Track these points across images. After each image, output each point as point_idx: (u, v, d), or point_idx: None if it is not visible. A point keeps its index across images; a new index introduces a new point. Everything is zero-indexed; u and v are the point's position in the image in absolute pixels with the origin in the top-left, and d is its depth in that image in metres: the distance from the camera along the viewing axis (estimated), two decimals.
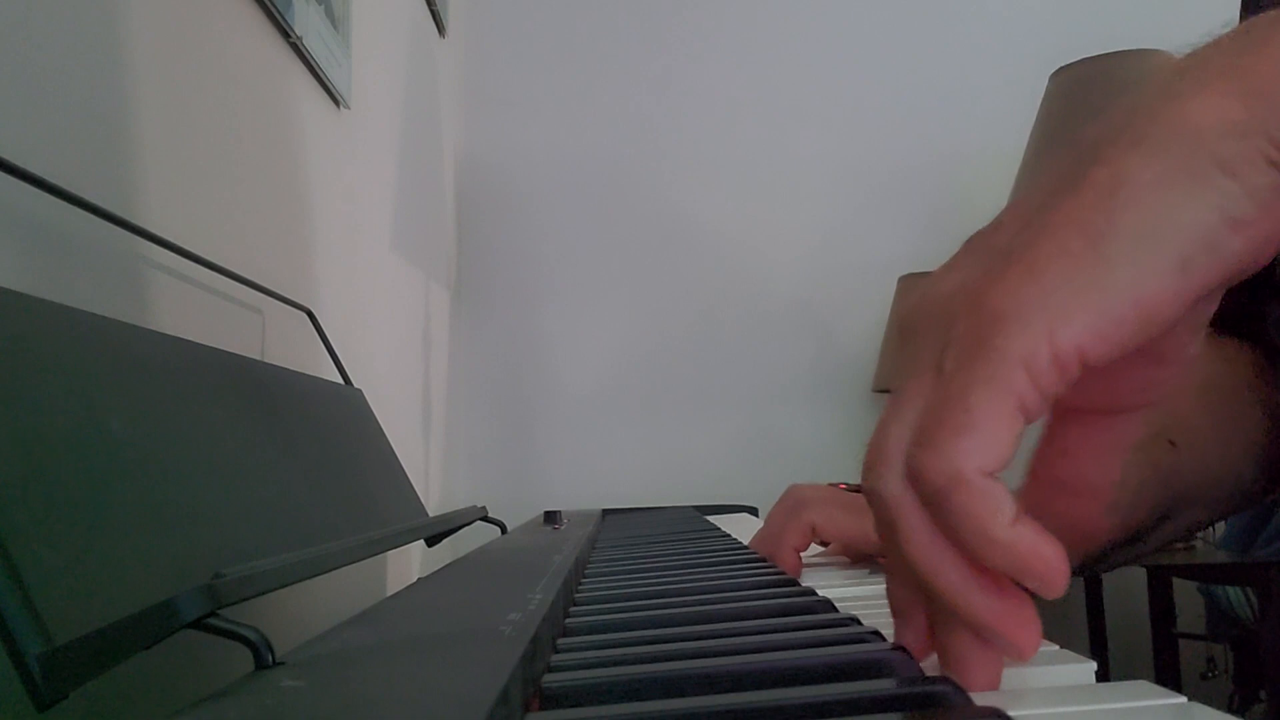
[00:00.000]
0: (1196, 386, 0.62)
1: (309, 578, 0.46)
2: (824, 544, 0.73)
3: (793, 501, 0.69)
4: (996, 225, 0.31)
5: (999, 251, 0.29)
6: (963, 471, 0.26)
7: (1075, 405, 0.32)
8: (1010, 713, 0.24)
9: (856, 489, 0.71)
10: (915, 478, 0.27)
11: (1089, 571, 0.37)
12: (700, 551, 0.72)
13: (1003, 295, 0.27)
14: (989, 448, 0.26)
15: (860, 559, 0.69)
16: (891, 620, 0.35)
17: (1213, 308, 0.30)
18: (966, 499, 0.26)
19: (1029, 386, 0.26)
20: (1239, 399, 0.62)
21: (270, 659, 0.33)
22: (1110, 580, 1.82)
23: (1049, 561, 0.26)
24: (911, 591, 0.31)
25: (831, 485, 0.87)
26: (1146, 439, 0.58)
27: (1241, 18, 0.63)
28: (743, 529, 1.00)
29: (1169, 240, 0.26)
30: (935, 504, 0.27)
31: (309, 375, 0.78)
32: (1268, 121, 0.26)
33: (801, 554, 0.66)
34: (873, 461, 0.30)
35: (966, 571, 0.28)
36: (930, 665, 0.32)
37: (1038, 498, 0.33)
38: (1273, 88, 0.26)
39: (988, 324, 0.27)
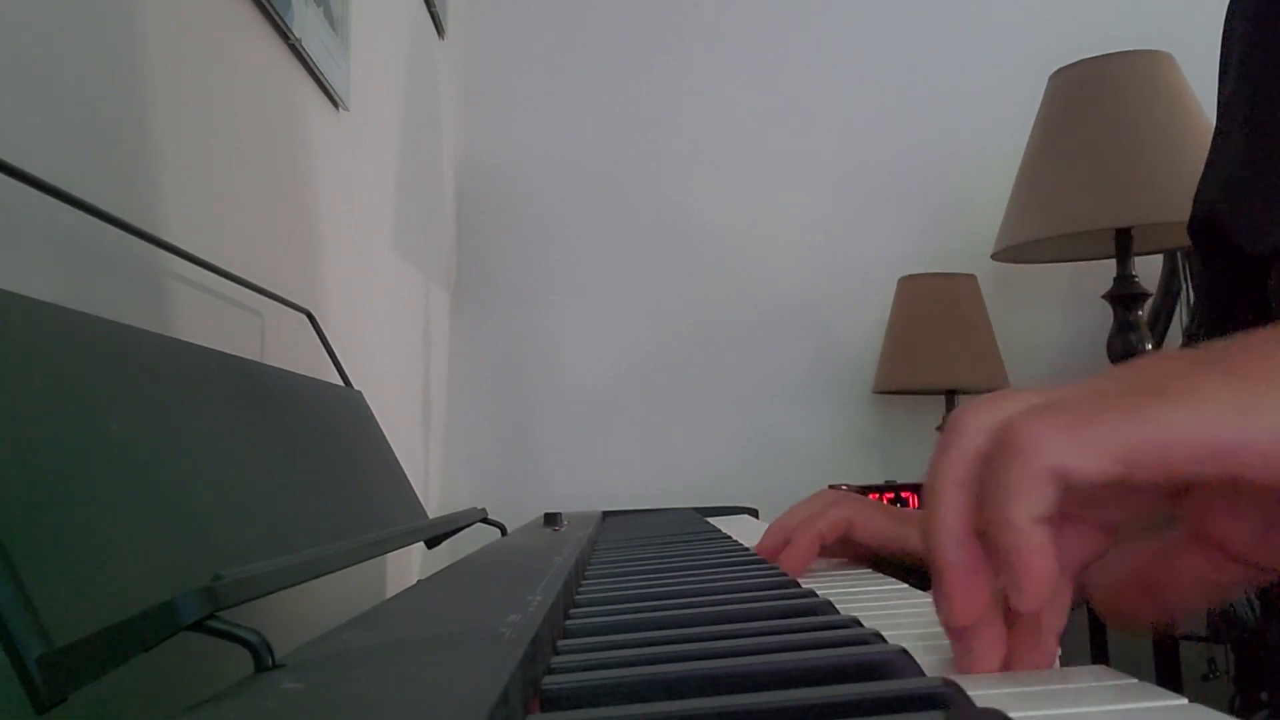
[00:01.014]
0: None
1: (309, 580, 0.46)
2: (833, 558, 0.71)
3: (834, 496, 0.68)
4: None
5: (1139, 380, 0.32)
6: (1041, 455, 0.29)
7: (1215, 537, 0.33)
8: (1011, 714, 0.24)
9: (859, 491, 0.70)
10: (1003, 429, 0.30)
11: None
12: (700, 553, 0.72)
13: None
14: (1084, 458, 0.29)
15: (890, 568, 0.65)
16: (896, 621, 0.35)
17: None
18: (1024, 473, 0.29)
19: (1157, 447, 0.29)
20: None
21: (270, 661, 0.33)
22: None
23: (1038, 567, 0.29)
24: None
25: (832, 486, 0.87)
26: None
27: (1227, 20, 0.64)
28: (743, 531, 1.00)
29: (1207, 408, 0.29)
30: (996, 457, 0.30)
31: (309, 377, 0.78)
32: None
33: (819, 546, 0.64)
34: (985, 404, 0.33)
35: (963, 523, 0.31)
36: (931, 666, 0.32)
37: (1116, 580, 0.35)
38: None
39: (1169, 389, 0.30)
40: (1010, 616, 0.32)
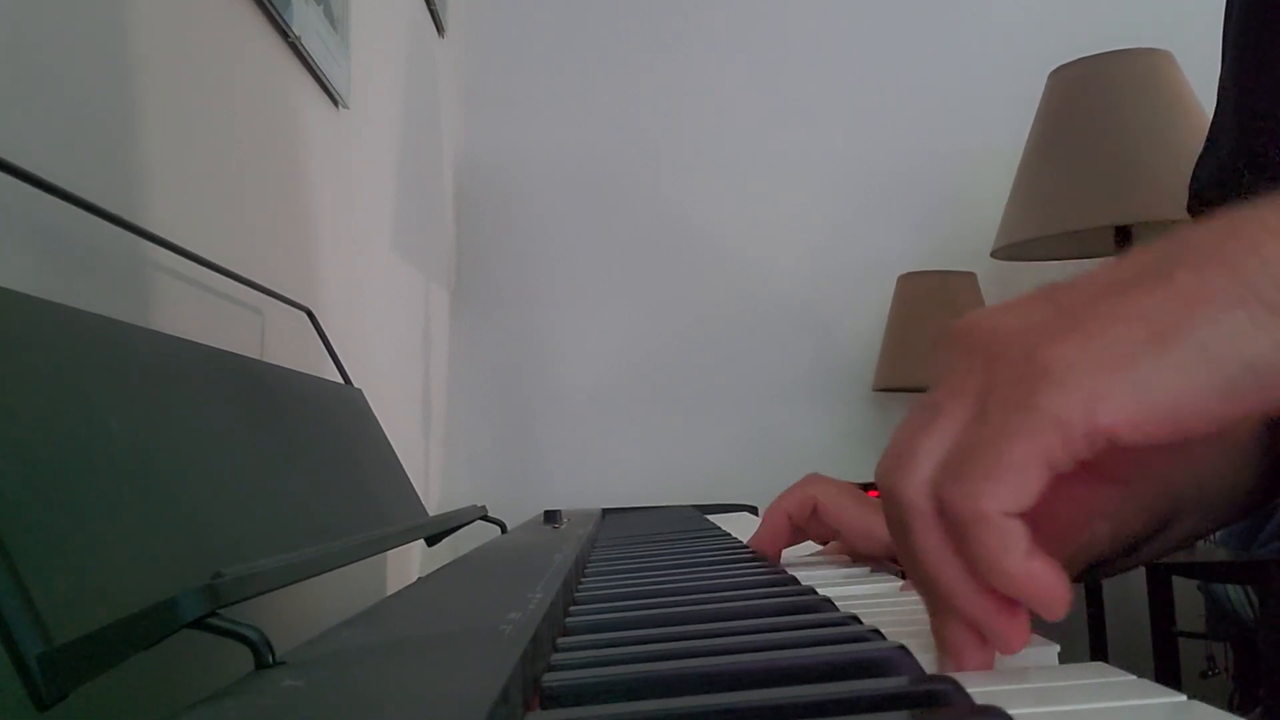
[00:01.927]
0: None
1: (309, 577, 0.46)
2: (822, 543, 0.73)
3: (805, 480, 0.70)
4: (1072, 285, 0.32)
5: (1065, 310, 0.30)
6: (986, 511, 0.29)
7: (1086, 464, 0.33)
8: (1011, 711, 0.24)
9: (864, 487, 0.71)
10: (942, 504, 0.30)
11: (1084, 579, 0.39)
12: (700, 551, 0.72)
13: (1057, 356, 0.29)
14: (1013, 494, 0.29)
15: (860, 558, 0.69)
16: (895, 619, 0.35)
17: (1239, 424, 0.31)
18: (985, 534, 0.29)
19: (1059, 448, 0.28)
20: None
21: (270, 658, 0.33)
22: (1110, 579, 1.82)
23: (1053, 591, 0.29)
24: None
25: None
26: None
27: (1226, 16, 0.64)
28: (743, 528, 1.00)
29: (1224, 362, 0.28)
30: (957, 531, 0.30)
31: (309, 375, 0.78)
32: None
33: (792, 526, 0.67)
34: (895, 464, 0.32)
35: (966, 576, 0.30)
36: (930, 663, 0.32)
37: None
38: None
39: (1036, 377, 0.29)
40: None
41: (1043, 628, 0.33)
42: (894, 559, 0.63)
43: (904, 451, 0.32)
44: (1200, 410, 0.28)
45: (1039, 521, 0.32)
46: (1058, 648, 0.35)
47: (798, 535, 0.69)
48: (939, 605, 0.32)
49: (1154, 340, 0.28)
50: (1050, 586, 0.29)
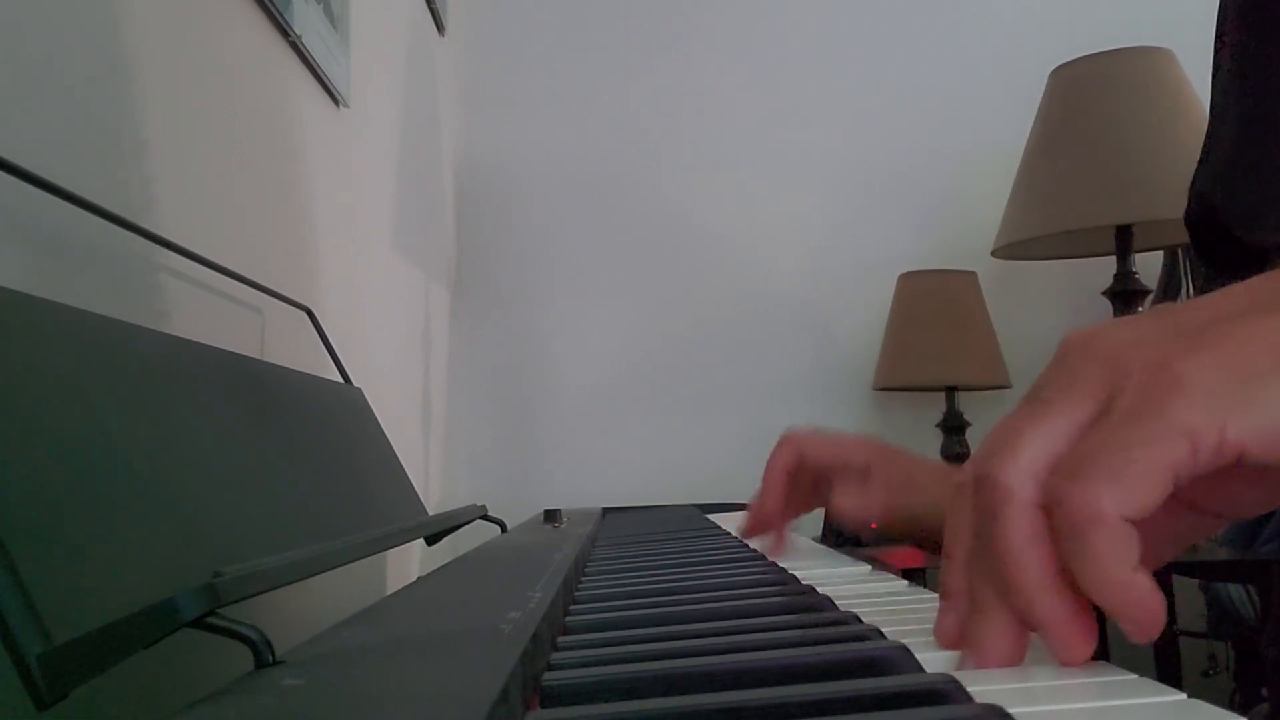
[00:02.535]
0: None
1: (309, 576, 0.46)
2: (815, 501, 0.76)
3: (783, 437, 0.76)
4: (1190, 306, 0.32)
5: (1191, 328, 0.30)
6: (1105, 512, 0.28)
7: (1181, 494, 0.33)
8: (1011, 710, 0.24)
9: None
10: (1056, 500, 0.29)
11: None
12: (700, 550, 0.72)
13: (1191, 368, 0.29)
14: (1135, 499, 0.28)
15: (844, 504, 0.71)
16: (895, 618, 0.35)
17: None
18: (1101, 538, 0.28)
19: (1188, 458, 0.28)
20: None
21: (270, 658, 0.33)
22: None
23: (1153, 612, 0.29)
24: (966, 580, 0.33)
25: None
26: None
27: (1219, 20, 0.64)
28: None
29: None
30: (1067, 531, 0.29)
31: (309, 374, 0.78)
32: None
33: (790, 483, 0.71)
34: (999, 451, 0.31)
35: (1050, 575, 0.30)
36: (930, 661, 0.32)
37: None
38: None
39: (1168, 387, 0.29)
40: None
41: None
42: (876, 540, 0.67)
43: (1010, 438, 0.31)
44: None
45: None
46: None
47: (794, 498, 0.72)
48: (989, 601, 0.31)
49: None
50: (1150, 603, 0.29)
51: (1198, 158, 0.66)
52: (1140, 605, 0.29)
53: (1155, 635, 0.29)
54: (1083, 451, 0.30)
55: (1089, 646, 0.30)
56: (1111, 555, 0.28)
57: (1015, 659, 0.31)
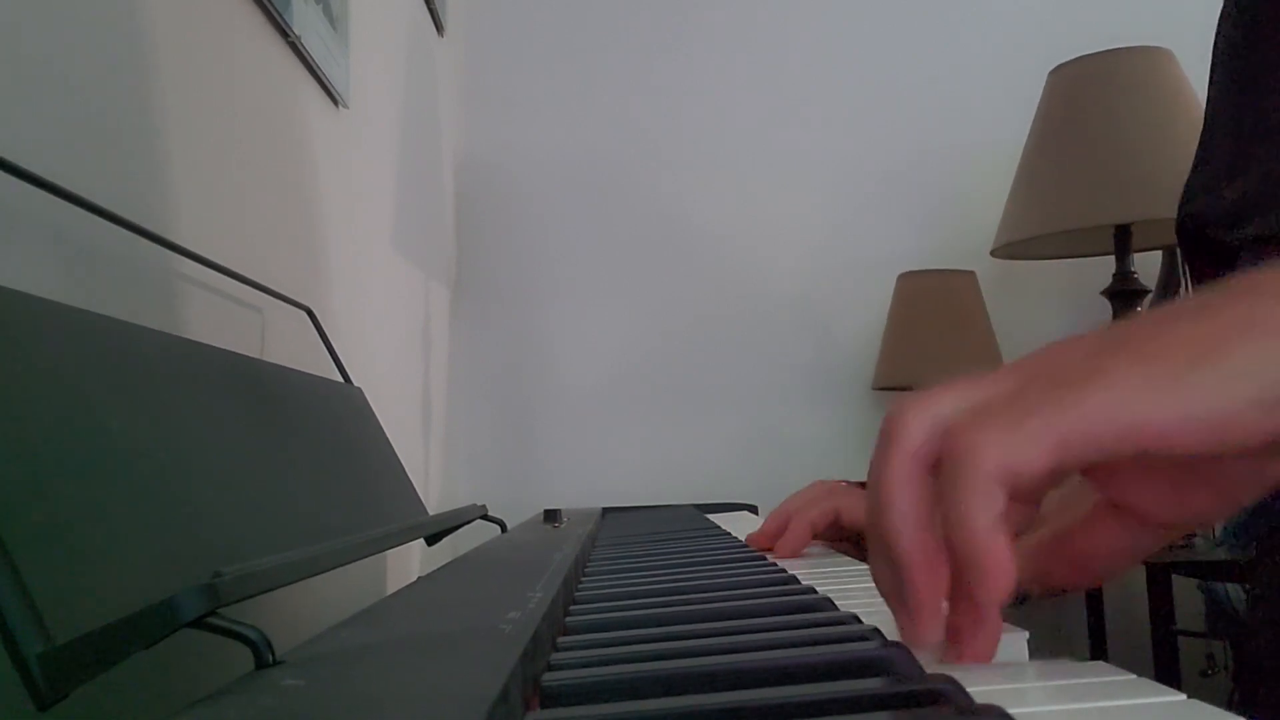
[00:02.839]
0: None
1: (309, 576, 0.46)
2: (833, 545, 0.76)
3: (823, 489, 0.74)
4: (1137, 321, 0.34)
5: (1124, 338, 0.32)
6: (984, 463, 0.30)
7: (1127, 503, 0.35)
8: (1010, 710, 0.24)
9: (861, 486, 0.75)
10: (946, 439, 0.31)
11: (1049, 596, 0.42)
12: (700, 550, 0.72)
13: (1109, 364, 0.31)
14: (1018, 457, 0.30)
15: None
16: (890, 619, 0.35)
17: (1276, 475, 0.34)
18: (974, 485, 0.30)
19: (1079, 435, 0.30)
20: None
21: (270, 658, 0.33)
22: (1111, 579, 1.81)
23: (1002, 569, 0.30)
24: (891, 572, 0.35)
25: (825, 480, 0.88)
26: None
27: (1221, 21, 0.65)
28: (743, 527, 1.00)
29: (1260, 381, 0.30)
30: (945, 471, 0.31)
31: (309, 374, 0.78)
32: None
33: (812, 534, 0.71)
34: (910, 400, 0.33)
35: (914, 514, 0.32)
36: (929, 661, 0.32)
37: (1046, 557, 0.37)
38: None
39: (1086, 376, 0.31)
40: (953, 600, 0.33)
41: (1040, 625, 0.33)
42: None
43: (925, 393, 0.33)
44: (1237, 423, 0.30)
45: (1046, 560, 0.35)
46: (1026, 634, 0.35)
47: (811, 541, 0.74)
48: (874, 548, 0.34)
49: (1197, 360, 0.30)
50: (1001, 563, 0.30)
51: (1189, 176, 0.67)
52: (991, 561, 0.30)
53: (1002, 594, 0.30)
54: (984, 404, 0.32)
55: (936, 595, 0.32)
56: (977, 504, 0.30)
57: (927, 634, 0.33)
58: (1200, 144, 0.66)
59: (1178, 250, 1.95)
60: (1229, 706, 0.25)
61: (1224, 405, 0.30)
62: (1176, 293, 1.90)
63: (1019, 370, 0.33)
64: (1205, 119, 0.66)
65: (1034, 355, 0.34)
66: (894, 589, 0.34)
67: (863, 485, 0.73)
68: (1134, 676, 0.29)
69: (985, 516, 0.30)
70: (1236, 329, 0.31)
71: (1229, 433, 0.30)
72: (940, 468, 0.31)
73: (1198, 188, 0.65)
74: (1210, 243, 0.62)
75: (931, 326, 1.89)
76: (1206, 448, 0.30)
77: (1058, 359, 0.33)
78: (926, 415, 0.33)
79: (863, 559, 0.69)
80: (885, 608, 0.39)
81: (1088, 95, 1.70)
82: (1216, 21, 0.65)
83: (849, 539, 0.74)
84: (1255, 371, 0.30)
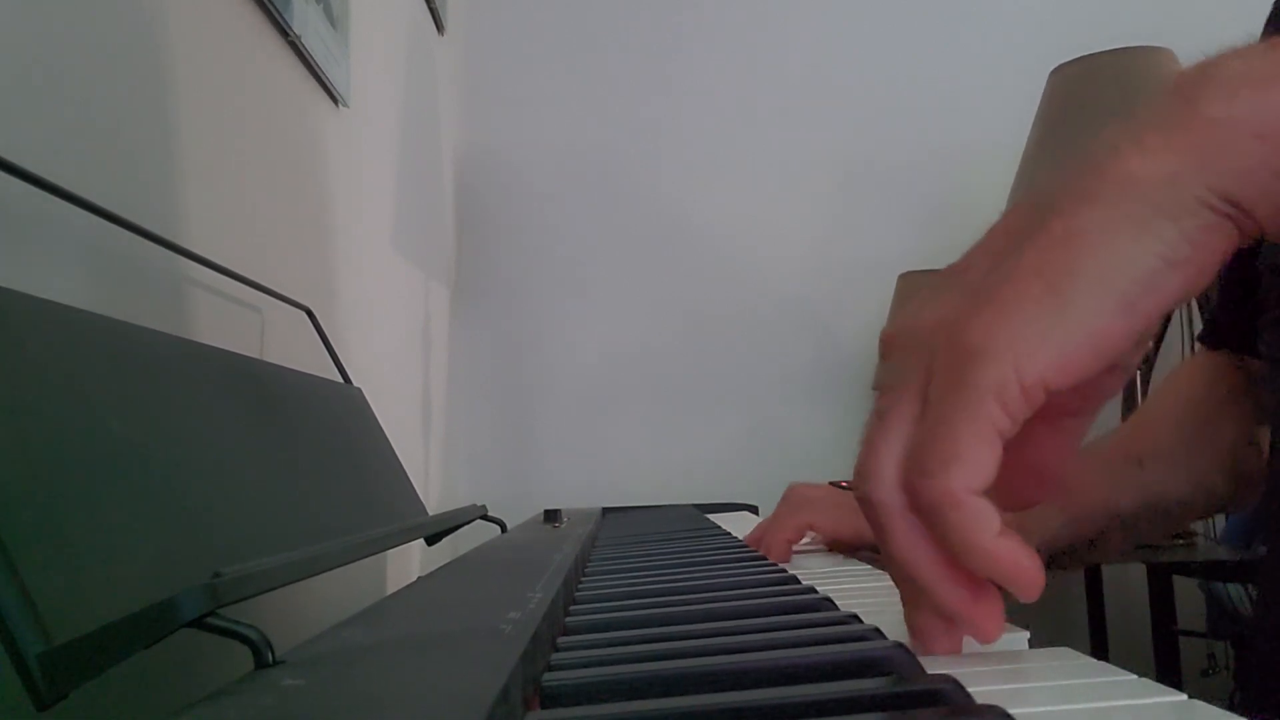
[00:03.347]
0: (1174, 414, 0.69)
1: (309, 576, 0.46)
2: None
3: (794, 500, 0.76)
4: (967, 263, 0.35)
5: (971, 289, 0.33)
6: (955, 493, 0.31)
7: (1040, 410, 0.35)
8: (1011, 710, 0.24)
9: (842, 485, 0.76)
10: (914, 498, 0.32)
11: (1050, 568, 0.43)
12: (700, 550, 0.72)
13: (975, 333, 0.31)
14: (974, 471, 0.31)
15: (850, 552, 0.76)
16: (895, 618, 0.35)
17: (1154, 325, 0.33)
18: (959, 516, 0.31)
19: (1002, 415, 0.31)
20: (1214, 418, 0.69)
21: (270, 658, 0.33)
22: (1110, 577, 1.81)
23: (1026, 569, 0.31)
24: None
25: (832, 483, 0.89)
26: (1115, 460, 0.66)
27: (1265, 32, 0.64)
28: (743, 527, 1.00)
29: (1116, 284, 0.30)
30: (931, 519, 0.31)
31: (308, 374, 0.78)
32: (1200, 170, 0.31)
33: (793, 546, 0.74)
34: (864, 472, 0.34)
35: (943, 567, 0.32)
36: (929, 661, 0.32)
37: (1003, 478, 0.35)
38: (1202, 143, 0.31)
39: (964, 359, 0.31)
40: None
41: (1041, 625, 0.33)
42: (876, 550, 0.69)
43: (866, 458, 0.34)
44: (1111, 334, 0.30)
45: (1009, 480, 0.34)
46: (1027, 633, 0.36)
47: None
48: (911, 596, 0.35)
49: (1051, 290, 0.30)
50: (1024, 563, 0.31)
51: None
52: (1013, 568, 0.31)
53: (1036, 593, 0.31)
54: (917, 444, 0.32)
55: (993, 622, 0.33)
56: (972, 527, 0.30)
57: (951, 645, 0.34)
58: None
59: None
60: (1230, 706, 0.25)
61: (1091, 327, 0.30)
62: None
63: (905, 372, 0.34)
64: None
65: (902, 338, 0.35)
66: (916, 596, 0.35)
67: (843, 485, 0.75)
68: (1135, 676, 0.29)
69: (985, 533, 0.31)
70: (1070, 245, 0.31)
71: (1107, 345, 0.31)
72: (928, 525, 0.32)
73: None
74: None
75: None
76: (1096, 367, 0.31)
77: (929, 339, 0.33)
78: (884, 484, 0.33)
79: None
80: (885, 608, 0.39)
81: (1088, 95, 1.70)
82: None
83: (868, 547, 0.76)
84: (1106, 282, 0.30)
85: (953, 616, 0.33)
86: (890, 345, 0.35)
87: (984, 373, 0.30)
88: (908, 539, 0.32)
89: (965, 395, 0.31)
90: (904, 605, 0.35)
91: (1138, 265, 0.30)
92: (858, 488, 0.34)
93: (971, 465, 0.31)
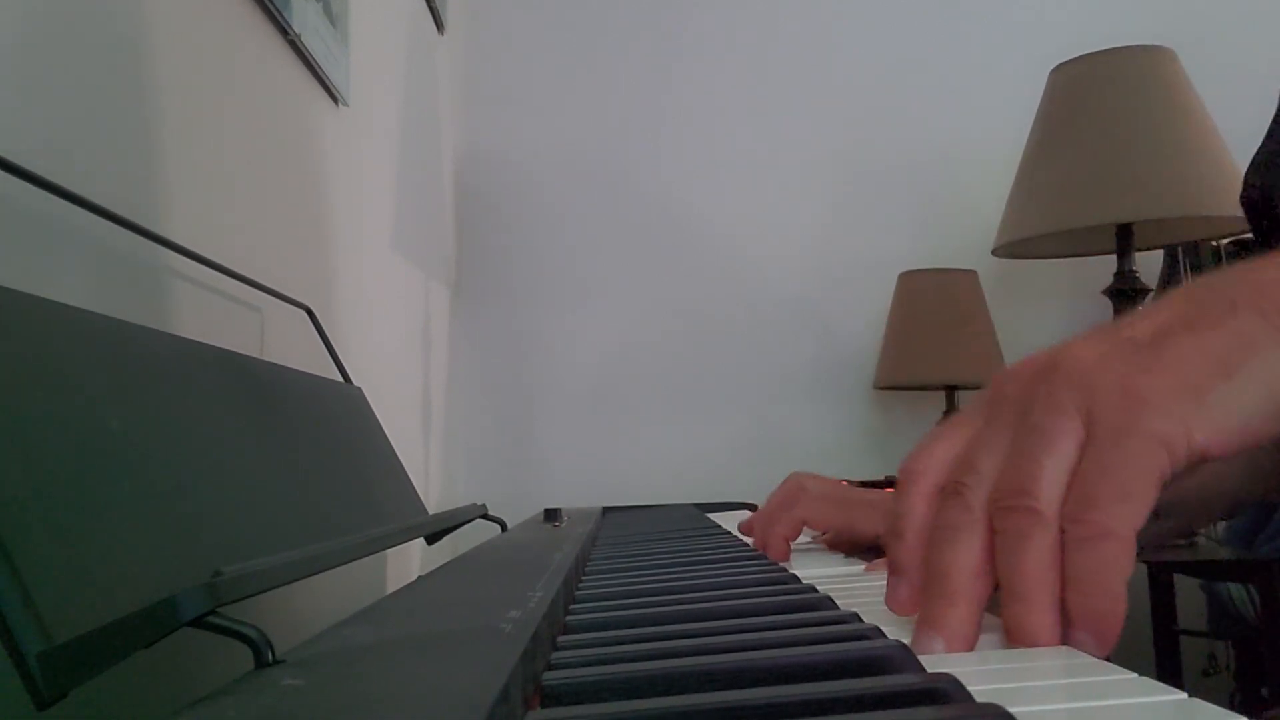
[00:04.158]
0: None
1: (309, 576, 0.46)
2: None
3: (790, 491, 0.76)
4: (1133, 322, 0.38)
5: (1141, 346, 0.36)
6: (1120, 530, 0.33)
7: None
8: (1011, 710, 0.24)
9: (861, 485, 0.75)
10: (1076, 523, 0.34)
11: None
12: (701, 549, 0.72)
13: (1151, 387, 0.34)
14: (1140, 511, 0.33)
15: (843, 547, 0.76)
16: (895, 617, 0.35)
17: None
18: (1115, 551, 0.33)
19: (1168, 466, 0.33)
20: None
21: (270, 657, 0.33)
22: None
23: (1116, 627, 0.33)
24: (919, 558, 0.38)
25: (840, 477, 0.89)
26: None
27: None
28: None
29: (1274, 393, 0.35)
30: (1083, 547, 0.33)
31: (308, 373, 0.78)
32: None
33: (791, 543, 0.74)
34: (1024, 475, 0.35)
35: (1054, 596, 0.34)
36: (929, 661, 0.32)
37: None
38: None
39: (1139, 408, 0.34)
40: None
41: None
42: (871, 549, 0.71)
43: (1030, 467, 0.35)
44: (1261, 426, 0.35)
45: None
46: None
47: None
48: (959, 589, 0.35)
49: (1223, 374, 0.34)
50: (1119, 618, 0.33)
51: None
52: (1115, 617, 0.33)
53: (1105, 650, 0.33)
54: (1090, 477, 0.34)
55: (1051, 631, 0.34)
56: (1117, 566, 0.33)
57: (973, 643, 0.35)
58: (1274, 120, 0.67)
59: (1179, 249, 1.94)
60: (1231, 706, 0.25)
61: (1249, 415, 0.34)
62: None
63: (1066, 400, 0.35)
64: None
65: (1062, 370, 0.36)
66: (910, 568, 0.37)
67: (844, 481, 0.74)
68: (1136, 676, 0.29)
69: (1121, 583, 0.33)
70: (1244, 343, 0.35)
71: (1256, 436, 0.35)
72: (1070, 547, 0.34)
73: (1262, 159, 0.66)
74: (1274, 215, 0.63)
75: (933, 325, 1.89)
76: (1240, 450, 0.35)
77: (1093, 380, 0.35)
78: (1048, 498, 0.34)
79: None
80: (886, 607, 0.39)
81: (1089, 94, 1.70)
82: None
83: (867, 545, 0.76)
84: (1267, 382, 0.34)
85: (1027, 636, 0.34)
86: (1047, 372, 0.37)
87: (1160, 424, 0.34)
88: (1050, 559, 0.34)
89: (1142, 442, 0.33)
90: (935, 596, 0.36)
91: None
92: (1008, 488, 0.35)
93: (1139, 505, 0.33)
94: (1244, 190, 0.68)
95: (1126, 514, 0.33)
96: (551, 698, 0.30)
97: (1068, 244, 1.85)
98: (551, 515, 0.97)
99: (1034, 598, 0.35)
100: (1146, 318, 0.37)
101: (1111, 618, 0.33)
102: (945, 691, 0.27)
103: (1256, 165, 0.68)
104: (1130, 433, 0.33)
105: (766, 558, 0.66)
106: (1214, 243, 1.81)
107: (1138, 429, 0.33)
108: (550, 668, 0.33)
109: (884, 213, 2.13)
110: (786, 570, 0.56)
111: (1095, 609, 0.33)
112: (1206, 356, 0.35)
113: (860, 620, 0.38)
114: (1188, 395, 0.34)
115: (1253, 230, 0.69)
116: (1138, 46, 1.70)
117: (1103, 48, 1.70)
